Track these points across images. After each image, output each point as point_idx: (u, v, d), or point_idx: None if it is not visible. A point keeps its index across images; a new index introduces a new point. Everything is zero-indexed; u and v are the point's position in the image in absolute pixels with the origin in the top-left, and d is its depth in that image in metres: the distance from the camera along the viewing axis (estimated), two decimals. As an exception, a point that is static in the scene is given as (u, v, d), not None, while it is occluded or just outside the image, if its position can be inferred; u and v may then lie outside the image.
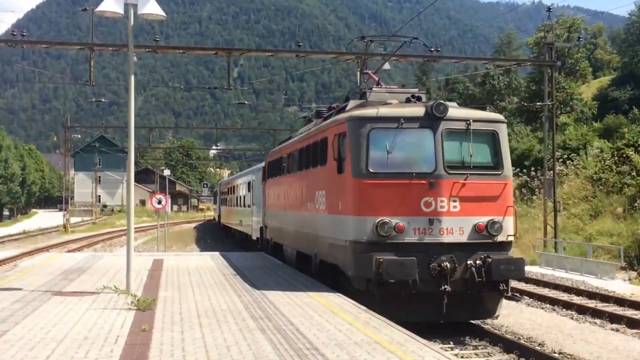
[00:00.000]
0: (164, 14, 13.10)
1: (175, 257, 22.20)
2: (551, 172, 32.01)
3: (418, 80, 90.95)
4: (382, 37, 21.29)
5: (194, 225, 69.12)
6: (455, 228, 12.04)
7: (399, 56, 32.79)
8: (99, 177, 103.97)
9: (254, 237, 29.07)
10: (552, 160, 32.15)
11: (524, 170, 41.19)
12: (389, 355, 7.98)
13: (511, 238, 12.46)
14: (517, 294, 16.59)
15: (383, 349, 8.28)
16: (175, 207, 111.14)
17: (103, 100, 67.41)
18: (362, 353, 8.04)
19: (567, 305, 16.89)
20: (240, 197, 36.07)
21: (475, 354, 11.65)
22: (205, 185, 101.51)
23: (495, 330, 13.38)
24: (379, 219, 11.92)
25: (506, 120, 13.22)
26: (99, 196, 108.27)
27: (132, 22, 13.06)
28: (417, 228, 11.97)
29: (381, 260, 11.66)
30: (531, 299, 18.20)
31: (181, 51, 30.03)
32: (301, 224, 16.66)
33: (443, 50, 32.54)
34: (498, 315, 12.91)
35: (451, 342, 12.37)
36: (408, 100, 13.73)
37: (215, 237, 47.77)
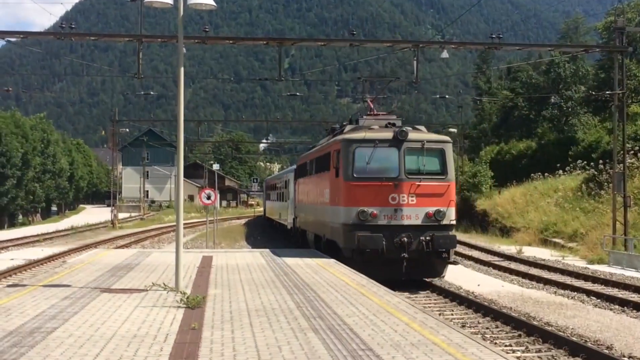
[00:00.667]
0: (214, 4, 13.24)
1: (225, 254, 22.45)
2: (621, 165, 31.34)
3: (478, 69, 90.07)
4: (377, 78, 30.86)
5: (243, 221, 69.71)
6: (412, 215, 18.74)
7: (457, 44, 32.51)
8: (147, 171, 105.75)
9: (289, 227, 35.51)
10: (622, 152, 31.48)
11: (591, 164, 40.40)
12: (447, 357, 7.95)
13: (453, 222, 19.03)
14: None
15: (441, 351, 8.26)
16: (224, 203, 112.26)
17: (151, 93, 68.34)
18: (419, 354, 8.03)
19: (638, 307, 16.55)
20: (280, 193, 42.59)
21: (539, 357, 11.53)
22: (254, 180, 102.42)
23: (560, 333, 13.23)
24: (360, 209, 18.68)
25: (452, 141, 20.00)
26: (147, 191, 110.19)
27: (181, 13, 13.24)
28: (386, 215, 18.71)
29: (360, 236, 18.34)
30: (599, 300, 17.90)
31: (231, 42, 30.29)
32: (316, 214, 23.74)
33: (505, 37, 32.14)
34: (444, 276, 20.00)
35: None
36: (387, 126, 20.73)
37: (265, 233, 48.13)
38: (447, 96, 78.66)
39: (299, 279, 15.50)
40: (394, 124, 21.12)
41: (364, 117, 22.97)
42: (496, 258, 29.52)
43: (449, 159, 19.40)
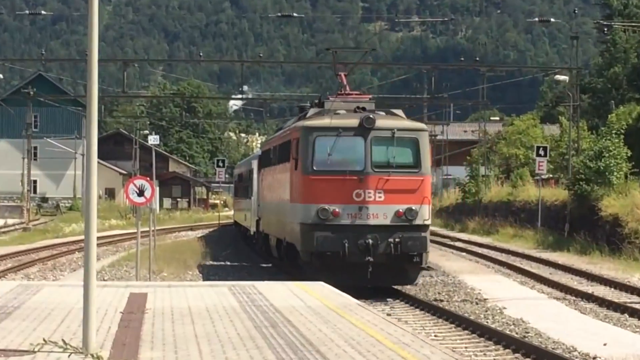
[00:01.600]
0: None
1: (169, 290, 22.47)
2: None
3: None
4: (348, 48, 51.23)
5: (201, 233, 69.53)
6: (380, 213, 26.48)
7: None
8: (35, 148, 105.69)
9: (252, 232, 44.22)
10: None
11: None
12: None
13: (427, 222, 27.38)
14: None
15: None
16: (167, 202, 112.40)
17: (42, 12, 68.39)
18: None
19: None
20: (245, 187, 51.49)
21: None
22: (220, 164, 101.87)
23: None
24: (320, 206, 26.23)
25: (427, 129, 28.99)
26: (35, 182, 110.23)
27: None
28: (350, 213, 26.48)
29: (318, 236, 25.91)
30: None
31: None
32: (278, 213, 32.36)
33: None
34: (417, 283, 29.18)
35: None
36: (355, 110, 28.55)
37: (238, 254, 48.20)
38: (551, 19, 78.24)
39: (295, 333, 15.51)
40: (363, 108, 28.92)
41: (331, 99, 31.59)
42: (635, 298, 29.48)
43: (424, 149, 27.68)
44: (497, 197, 71.60)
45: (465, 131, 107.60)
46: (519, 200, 64.34)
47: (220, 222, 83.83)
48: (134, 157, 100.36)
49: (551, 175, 66.11)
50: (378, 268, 26.50)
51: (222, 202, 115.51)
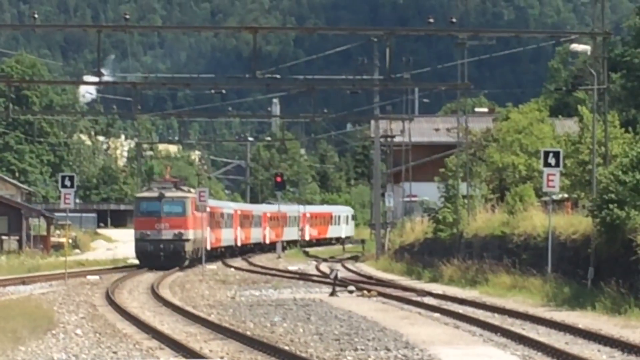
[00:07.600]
0: None
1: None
2: None
3: None
4: None
5: (40, 288, 69.28)
6: (167, 234, 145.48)
7: None
8: None
9: None
10: None
11: None
12: None
13: (190, 237, 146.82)
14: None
15: None
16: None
17: None
18: None
19: None
20: None
21: None
22: (67, 183, 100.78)
23: None
24: (140, 231, 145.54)
25: (193, 195, 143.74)
26: None
27: None
28: (154, 234, 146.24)
29: (140, 244, 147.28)
30: None
31: None
32: None
33: None
34: (187, 266, 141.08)
35: None
36: (161, 188, 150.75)
37: (96, 317, 48.13)
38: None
39: None
40: (164, 187, 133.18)
41: (156, 181, 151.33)
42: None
43: (188, 205, 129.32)
44: (486, 230, 71.33)
45: (437, 130, 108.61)
46: (519, 233, 64.00)
47: (69, 270, 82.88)
48: None
49: (566, 195, 66.56)
50: (166, 258, 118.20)
51: (70, 240, 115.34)
